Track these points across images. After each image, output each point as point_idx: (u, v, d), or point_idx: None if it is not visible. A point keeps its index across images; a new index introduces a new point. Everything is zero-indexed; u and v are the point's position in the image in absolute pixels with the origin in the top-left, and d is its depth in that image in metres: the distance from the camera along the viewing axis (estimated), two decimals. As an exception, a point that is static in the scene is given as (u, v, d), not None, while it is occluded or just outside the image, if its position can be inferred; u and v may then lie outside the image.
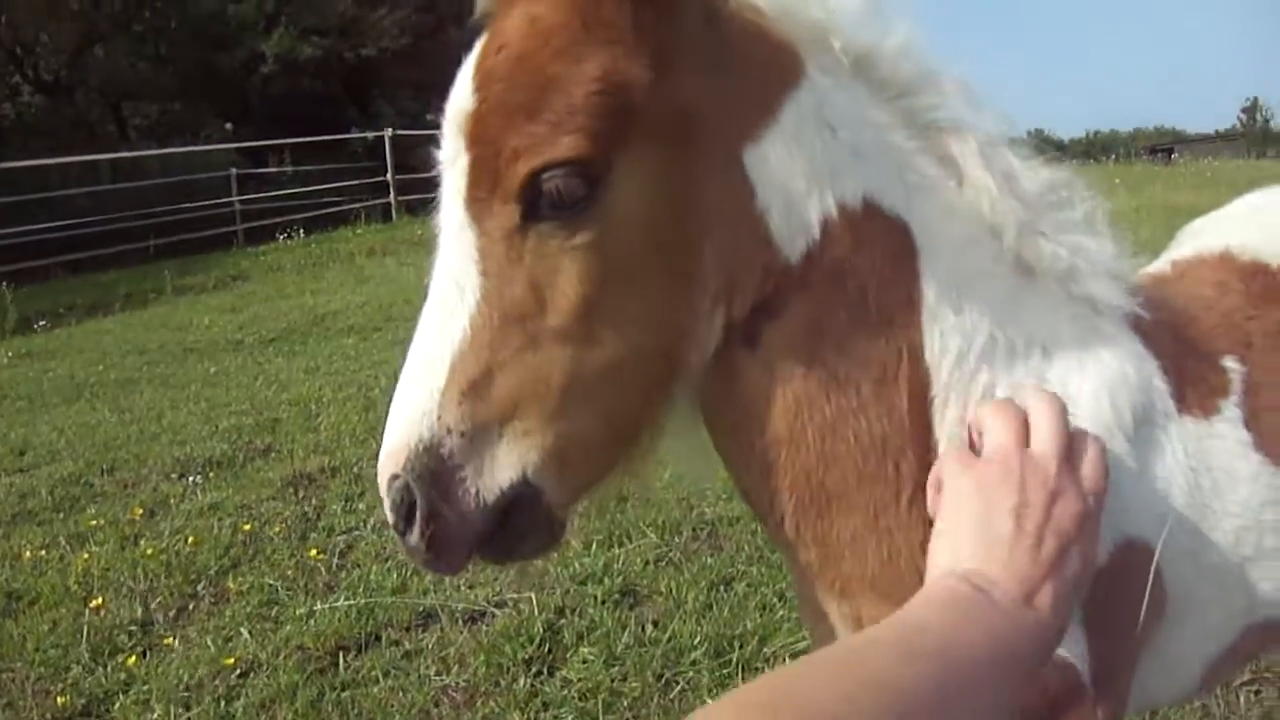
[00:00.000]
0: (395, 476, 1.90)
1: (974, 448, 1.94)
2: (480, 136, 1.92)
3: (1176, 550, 2.10)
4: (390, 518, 1.94)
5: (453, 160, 1.99)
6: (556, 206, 1.86)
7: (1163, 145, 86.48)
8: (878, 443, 2.03)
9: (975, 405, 2.03)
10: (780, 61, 2.02)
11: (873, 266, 2.03)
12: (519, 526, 1.95)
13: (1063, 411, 1.90)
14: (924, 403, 2.05)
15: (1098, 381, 2.10)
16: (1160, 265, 2.82)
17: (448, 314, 1.95)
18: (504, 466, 1.91)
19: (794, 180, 1.99)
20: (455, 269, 1.96)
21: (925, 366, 2.05)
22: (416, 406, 1.92)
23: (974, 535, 1.79)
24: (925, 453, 2.04)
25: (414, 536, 1.89)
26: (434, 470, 1.88)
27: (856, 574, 2.07)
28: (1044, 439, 1.86)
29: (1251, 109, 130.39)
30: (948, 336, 2.05)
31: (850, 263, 2.02)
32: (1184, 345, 2.32)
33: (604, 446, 2.00)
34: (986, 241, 2.11)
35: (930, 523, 1.92)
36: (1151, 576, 2.06)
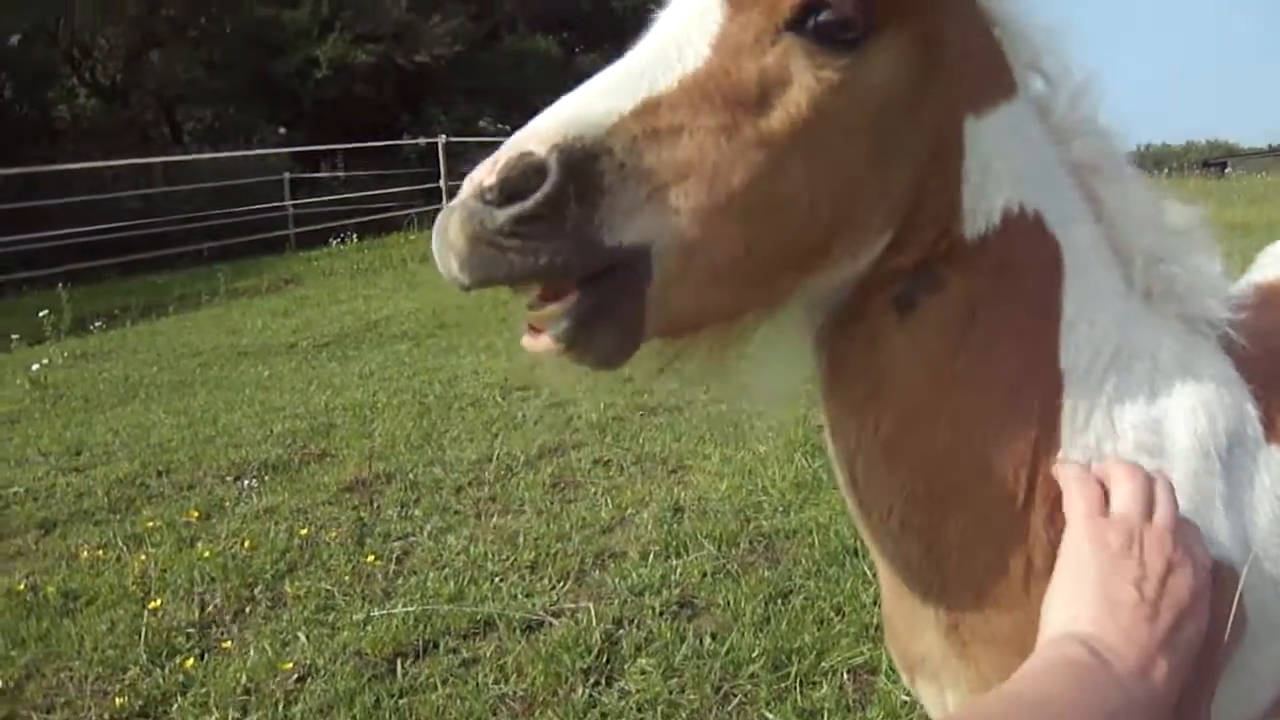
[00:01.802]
0: (530, 154, 1.72)
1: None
2: None
3: (1260, 575, 2.09)
4: (491, 184, 1.71)
5: None
6: (824, 29, 1.82)
7: (1216, 159, 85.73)
8: (1004, 444, 2.04)
9: (1100, 412, 2.07)
10: (1006, 70, 2.14)
11: (1029, 272, 2.09)
12: (608, 299, 1.75)
13: (1173, 490, 1.95)
14: (1054, 410, 2.07)
15: (1195, 399, 2.12)
16: (1242, 288, 2.82)
17: (657, 62, 1.86)
18: (637, 225, 1.73)
19: (994, 165, 2.06)
20: (682, 33, 1.89)
21: (1059, 373, 2.08)
22: (588, 112, 1.79)
23: (1095, 599, 1.80)
24: (1049, 460, 2.05)
25: (511, 209, 1.68)
26: (584, 170, 1.70)
27: (959, 575, 2.08)
28: (1164, 510, 1.89)
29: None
30: (1080, 348, 2.09)
31: (1015, 262, 2.07)
32: (1275, 373, 2.32)
33: (724, 279, 1.85)
34: (1117, 267, 2.20)
35: (1049, 538, 1.97)
36: (1236, 601, 2.04)
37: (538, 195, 1.65)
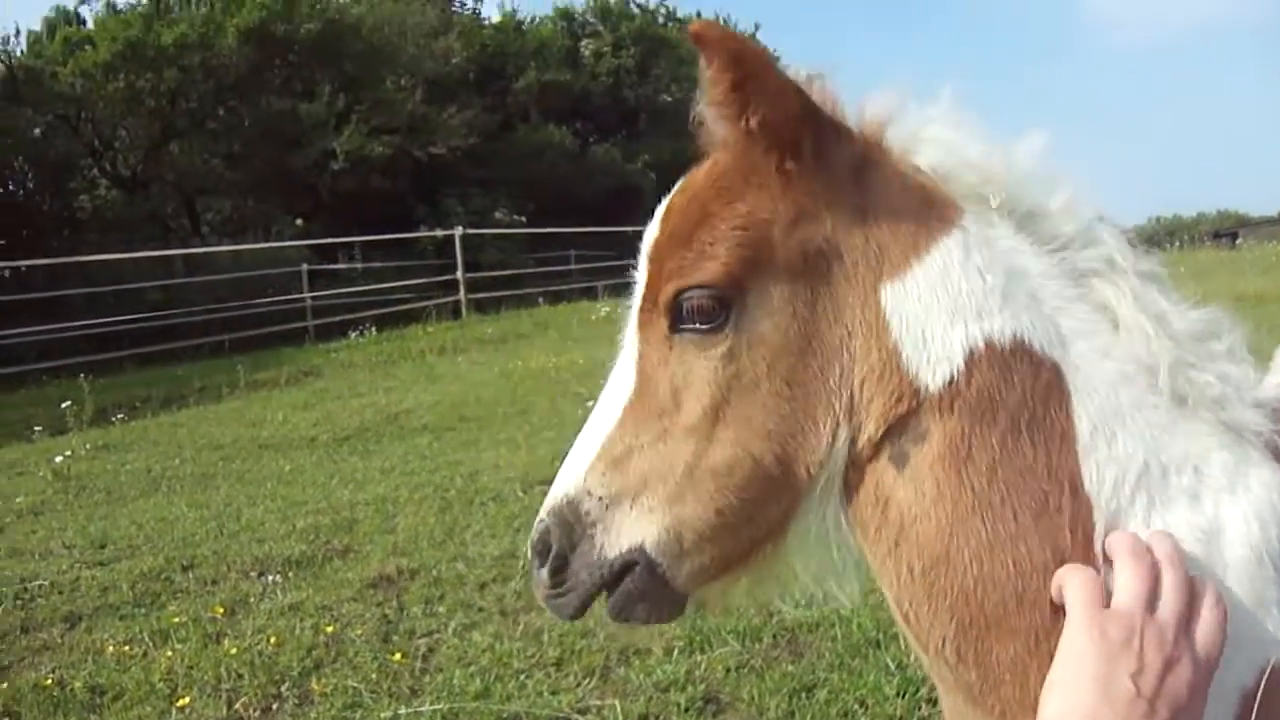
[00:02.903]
0: (541, 520, 2.27)
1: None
2: (654, 259, 2.28)
3: None
4: (528, 552, 2.32)
5: (639, 279, 2.33)
6: (695, 322, 2.17)
7: (1227, 230, 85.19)
8: (1040, 569, 2.07)
9: (1138, 529, 2.08)
10: (934, 212, 2.22)
11: (1024, 400, 2.13)
12: (631, 589, 2.21)
13: (1187, 575, 1.95)
14: (1088, 531, 2.09)
15: (1248, 506, 2.12)
16: (1274, 387, 2.83)
17: (611, 401, 2.29)
18: (627, 533, 2.20)
19: (935, 315, 2.16)
20: (623, 366, 2.32)
21: (1086, 496, 2.10)
22: (572, 469, 2.27)
23: (1092, 692, 1.82)
24: None
25: (544, 572, 2.25)
26: (569, 522, 2.23)
27: (1016, 698, 2.10)
28: (1169, 602, 1.90)
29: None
30: (1103, 467, 2.11)
31: (999, 395, 2.13)
32: None
33: (717, 537, 2.20)
34: (1140, 377, 2.20)
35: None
36: None
37: (551, 555, 2.23)
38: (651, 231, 2.34)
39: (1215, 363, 2.21)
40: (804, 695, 6.69)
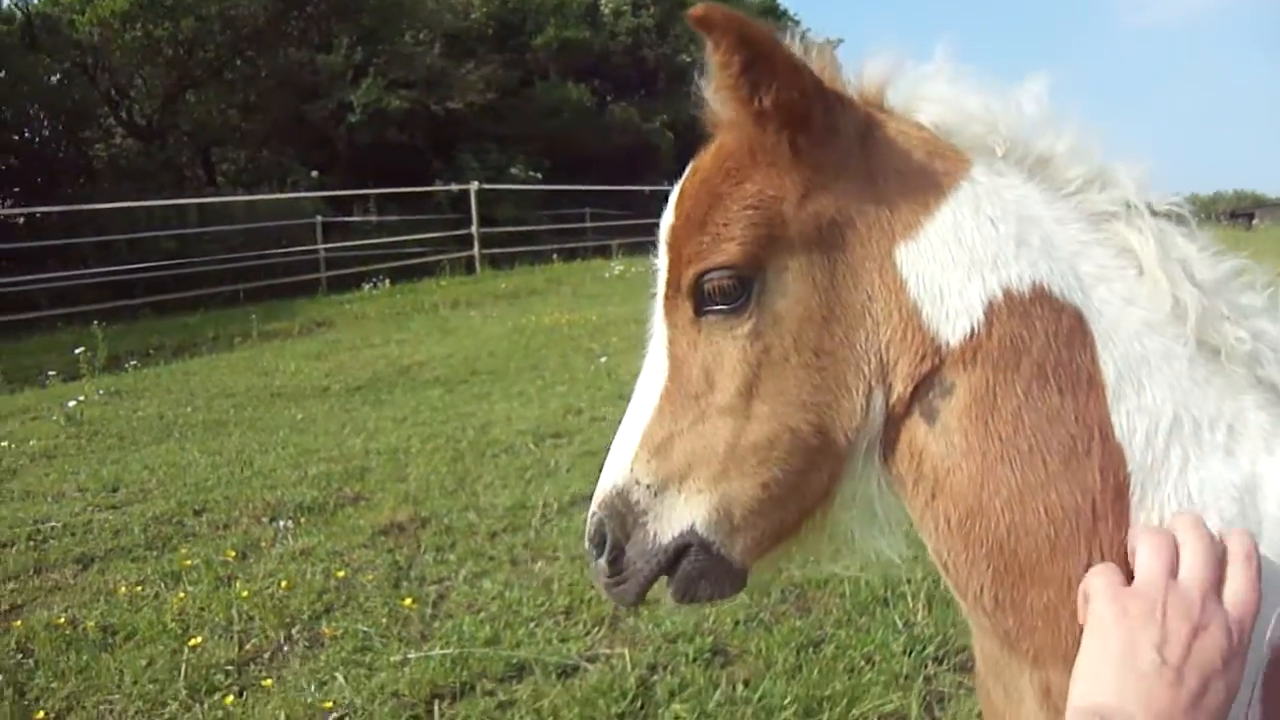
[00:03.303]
0: (594, 513, 2.29)
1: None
2: (672, 246, 2.30)
3: None
4: (586, 544, 2.33)
5: (660, 267, 2.36)
6: (718, 303, 2.20)
7: (1243, 209, 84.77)
8: (1071, 516, 2.07)
9: (1170, 483, 2.08)
10: (941, 167, 2.24)
11: (1047, 346, 2.12)
12: (690, 570, 2.24)
13: (1211, 540, 1.93)
14: (1120, 480, 2.08)
15: None
16: None
17: (647, 389, 2.32)
18: (678, 517, 2.22)
19: (950, 270, 2.17)
20: (654, 354, 2.34)
21: (1117, 444, 2.09)
22: (618, 460, 2.29)
23: (1116, 669, 1.80)
24: (1123, 528, 2.08)
25: (602, 562, 2.28)
26: (622, 512, 2.25)
27: (1049, 644, 2.11)
28: (1192, 570, 1.88)
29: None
30: (1133, 416, 2.11)
31: (1022, 343, 2.13)
32: None
33: (766, 511, 2.23)
34: (1169, 326, 2.17)
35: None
36: None
37: (608, 546, 2.27)
38: (667, 218, 2.36)
39: (1250, 318, 2.18)
40: (811, 650, 6.73)
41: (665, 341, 2.32)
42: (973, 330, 2.15)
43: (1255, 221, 68.08)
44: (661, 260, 2.36)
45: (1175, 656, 1.77)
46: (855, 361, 2.19)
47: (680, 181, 2.36)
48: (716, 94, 2.22)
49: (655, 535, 2.24)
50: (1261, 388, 2.16)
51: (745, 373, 2.20)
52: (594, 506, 2.31)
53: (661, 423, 2.27)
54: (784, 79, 2.11)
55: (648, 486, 2.25)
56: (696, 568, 2.23)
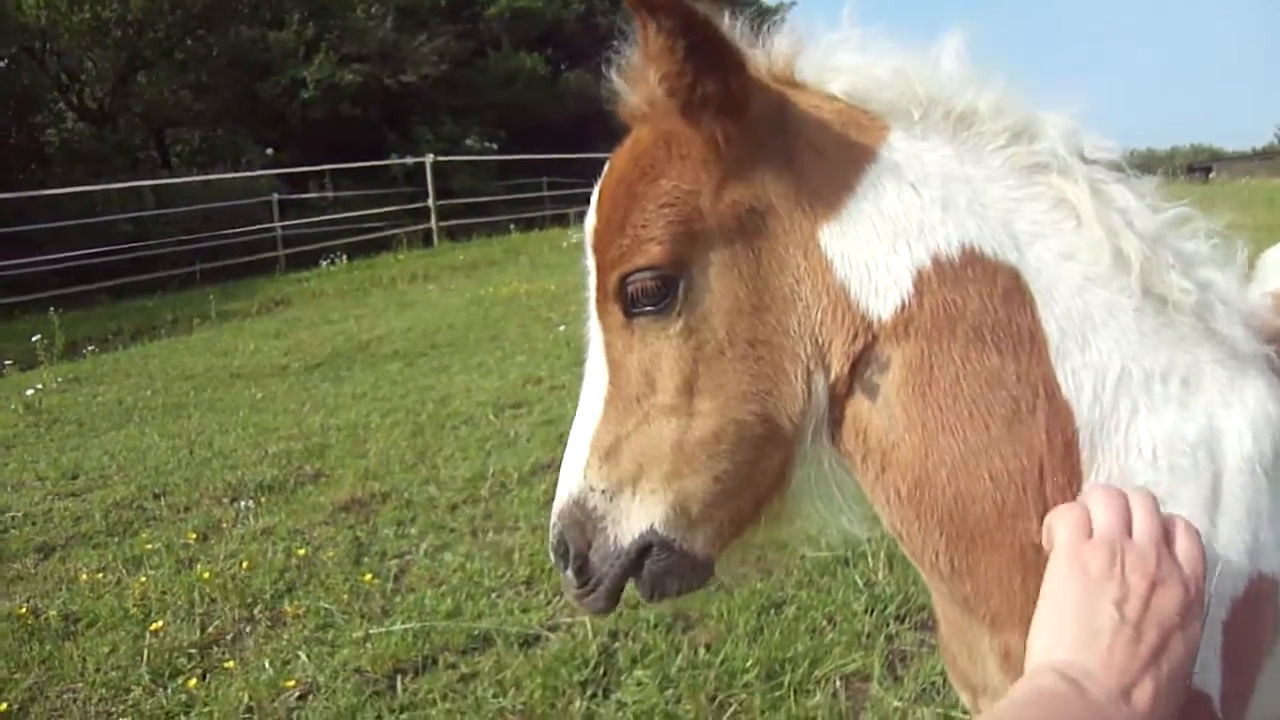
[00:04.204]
0: (555, 524, 2.31)
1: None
2: (596, 249, 2.29)
3: None
4: (551, 555, 2.36)
5: (589, 271, 2.34)
6: (646, 304, 2.18)
7: (1200, 164, 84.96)
8: (1017, 478, 2.07)
9: (1120, 437, 2.08)
10: (857, 139, 2.20)
11: (984, 309, 2.10)
12: (655, 569, 2.25)
13: (1154, 500, 1.93)
14: (1068, 438, 2.08)
15: (1243, 417, 2.11)
16: (1260, 292, 2.78)
17: (590, 395, 2.31)
18: (636, 518, 2.23)
19: (875, 244, 2.14)
20: (594, 359, 2.33)
21: (1063, 401, 2.08)
22: (571, 468, 2.29)
23: (1075, 625, 1.79)
24: (1075, 486, 2.07)
25: (569, 573, 2.29)
26: (580, 520, 2.26)
27: (1005, 608, 2.12)
28: (1144, 526, 1.88)
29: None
30: (1079, 372, 2.09)
31: (955, 309, 2.11)
32: None
33: (721, 502, 2.23)
34: (1113, 278, 2.14)
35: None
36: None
37: (571, 555, 2.27)
38: (589, 221, 2.34)
39: (1196, 267, 2.17)
40: (772, 612, 6.74)
41: (602, 346, 2.31)
42: (903, 303, 2.13)
43: (1212, 175, 68.22)
44: (589, 264, 2.34)
45: (1134, 612, 1.77)
46: (790, 347, 2.18)
47: (599, 182, 2.34)
48: (649, 81, 2.15)
49: (616, 539, 2.25)
50: (1215, 340, 2.15)
51: (683, 370, 2.18)
52: (554, 518, 2.32)
53: (608, 427, 2.27)
54: (728, 65, 2.08)
55: (602, 492, 2.25)
56: (661, 565, 2.24)
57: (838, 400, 2.20)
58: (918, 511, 2.14)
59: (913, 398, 2.11)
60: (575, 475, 2.28)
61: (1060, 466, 2.05)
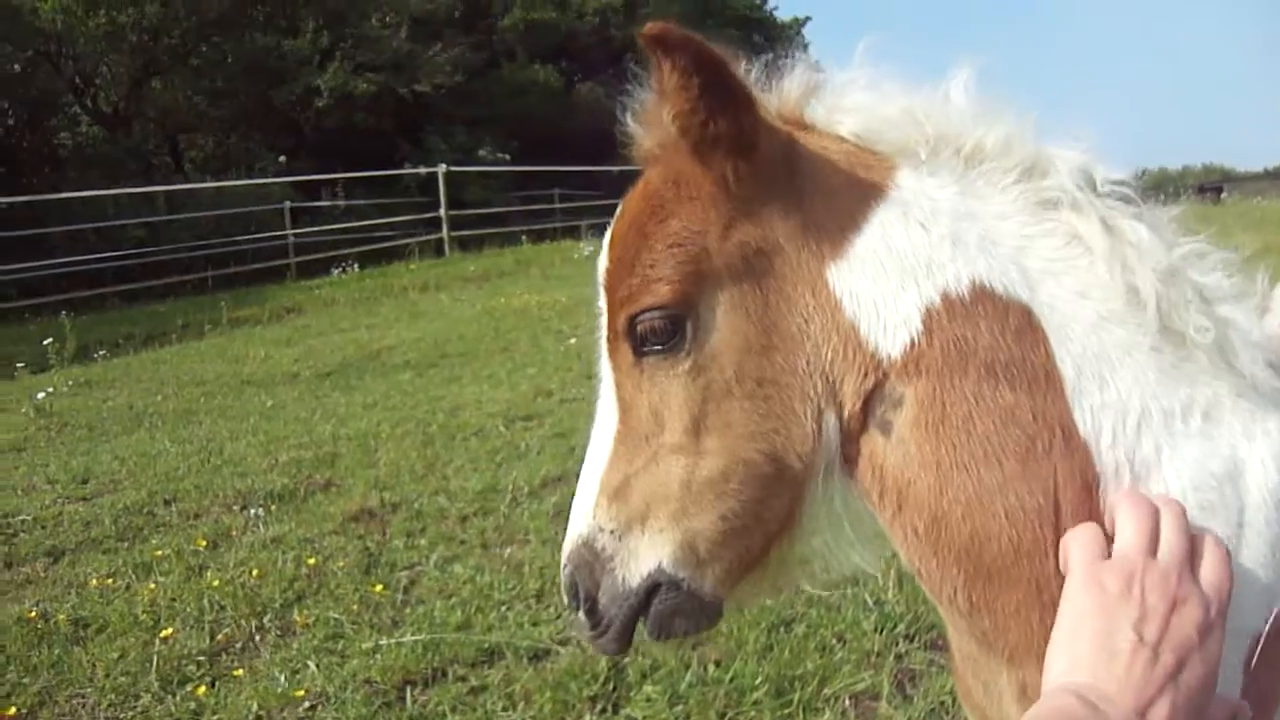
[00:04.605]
0: (565, 566, 2.30)
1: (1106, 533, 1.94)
2: (608, 290, 2.29)
3: None
4: (564, 598, 2.35)
5: (601, 311, 2.34)
6: (654, 343, 2.18)
7: (1211, 184, 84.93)
8: (1033, 517, 2.04)
9: (1144, 476, 2.04)
10: (866, 178, 2.20)
11: (996, 345, 2.08)
12: (663, 609, 2.22)
13: (1184, 516, 1.91)
14: (1086, 479, 2.04)
15: (1265, 451, 2.08)
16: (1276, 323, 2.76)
17: (600, 434, 2.31)
18: (644, 557, 2.22)
19: (883, 282, 2.14)
20: (604, 398, 2.33)
21: (1081, 441, 2.05)
22: (580, 509, 2.29)
23: (1092, 646, 1.78)
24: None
25: (581, 615, 2.28)
26: (589, 561, 2.25)
27: (1023, 644, 2.09)
28: (1170, 543, 1.86)
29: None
30: (1098, 413, 2.06)
31: (966, 346, 2.09)
32: None
33: (729, 542, 2.21)
34: (1129, 315, 2.11)
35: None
36: None
37: (581, 598, 2.26)
38: (601, 261, 2.34)
39: (1214, 304, 2.12)
40: (782, 629, 6.73)
41: (613, 385, 2.31)
42: (913, 340, 2.12)
43: (1223, 195, 68.12)
44: (601, 305, 2.34)
45: (1152, 634, 1.76)
46: (800, 386, 2.17)
47: (611, 224, 2.34)
48: (662, 123, 2.17)
49: (624, 579, 2.23)
50: (1234, 373, 2.11)
51: (691, 410, 2.18)
52: (564, 560, 2.31)
53: (617, 466, 2.26)
54: (740, 104, 2.08)
55: (611, 532, 2.24)
56: (669, 605, 2.22)
57: (851, 437, 2.19)
58: (935, 549, 2.13)
59: (926, 435, 2.09)
60: (584, 515, 2.28)
61: (1079, 508, 2.02)
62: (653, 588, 2.22)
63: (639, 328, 2.18)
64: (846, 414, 2.16)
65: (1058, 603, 1.94)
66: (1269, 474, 2.07)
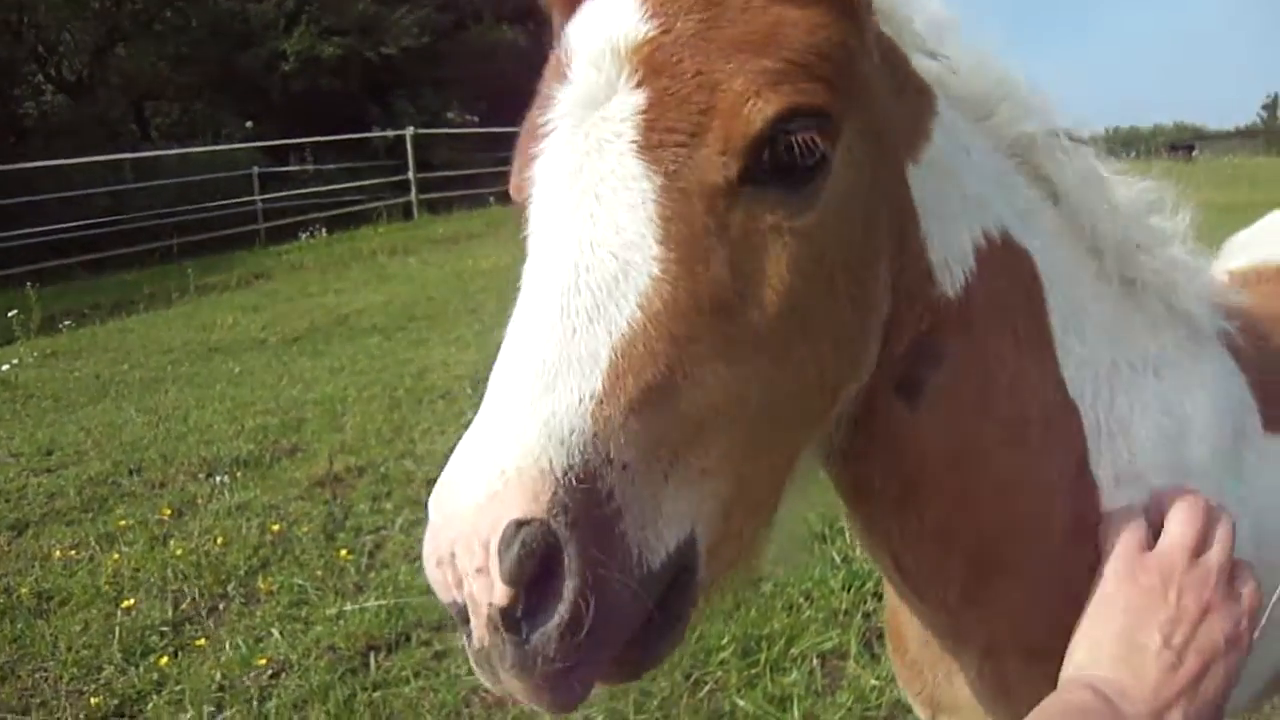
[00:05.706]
0: (525, 522, 1.30)
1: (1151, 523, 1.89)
2: (668, 68, 1.53)
3: (1268, 564, 2.04)
4: (504, 600, 1.32)
5: (597, 98, 1.58)
6: (785, 171, 1.50)
7: (1183, 142, 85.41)
8: (1047, 493, 1.92)
9: (1121, 436, 1.97)
10: (921, 85, 1.88)
11: (1017, 301, 1.90)
12: (671, 615, 1.46)
13: (1233, 527, 1.85)
14: (1080, 445, 1.94)
15: (1207, 405, 2.06)
16: (1219, 277, 2.72)
17: (603, 291, 1.45)
18: (673, 517, 1.41)
19: (948, 204, 1.83)
20: (608, 232, 1.49)
21: (1072, 405, 1.94)
22: (553, 418, 1.36)
23: (1117, 642, 1.75)
24: (1088, 502, 1.95)
25: (550, 626, 1.34)
26: (594, 516, 1.34)
27: (1009, 638, 2.01)
28: (1214, 553, 1.81)
29: (1273, 105, 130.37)
30: (1080, 369, 1.95)
31: (1004, 298, 1.87)
32: (1264, 361, 2.27)
33: (770, 501, 1.63)
34: (1088, 260, 2.02)
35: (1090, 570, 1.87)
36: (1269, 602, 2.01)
37: (566, 596, 1.33)
38: (628, 30, 1.58)
39: (1164, 246, 2.08)
40: (750, 588, 6.70)
41: (654, 215, 1.47)
42: (966, 282, 1.84)
43: (1195, 153, 68.59)
44: (609, 91, 1.57)
45: (1179, 638, 1.74)
46: (878, 302, 1.70)
47: None
48: None
49: (643, 552, 1.38)
50: (1177, 322, 2.08)
51: (795, 286, 1.51)
52: (520, 507, 1.31)
53: (650, 351, 1.41)
54: None
55: (624, 466, 1.36)
56: (681, 607, 1.48)
57: (874, 390, 1.78)
58: (944, 539, 1.94)
59: (969, 400, 1.86)
60: (575, 434, 1.35)
61: (1080, 477, 1.95)
62: (680, 573, 1.43)
63: (787, 138, 1.49)
64: (893, 352, 1.77)
65: (1056, 595, 1.91)
66: (1211, 426, 2.06)
